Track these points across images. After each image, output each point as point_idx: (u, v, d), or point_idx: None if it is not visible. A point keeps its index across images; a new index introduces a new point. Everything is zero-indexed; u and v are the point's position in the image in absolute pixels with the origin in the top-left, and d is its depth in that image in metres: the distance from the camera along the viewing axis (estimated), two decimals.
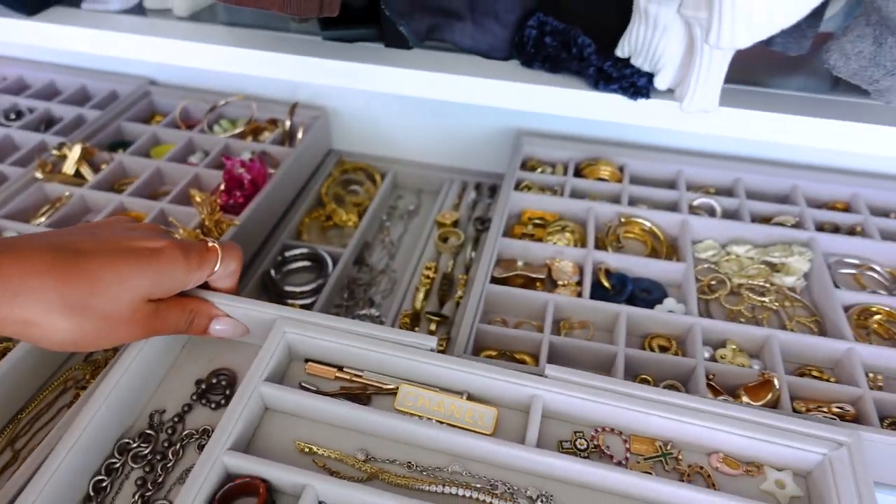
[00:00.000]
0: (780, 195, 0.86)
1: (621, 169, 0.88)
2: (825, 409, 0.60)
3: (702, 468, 0.51)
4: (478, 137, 0.97)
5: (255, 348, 0.52)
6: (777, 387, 0.60)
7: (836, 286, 0.71)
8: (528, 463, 0.48)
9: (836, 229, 0.80)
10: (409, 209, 0.97)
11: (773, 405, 0.59)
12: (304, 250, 0.84)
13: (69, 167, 0.83)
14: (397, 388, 0.52)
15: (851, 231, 0.80)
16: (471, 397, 0.52)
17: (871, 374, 0.65)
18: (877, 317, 0.70)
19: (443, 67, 0.73)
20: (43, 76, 1.04)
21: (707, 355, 0.65)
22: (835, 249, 0.77)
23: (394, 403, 0.51)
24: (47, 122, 0.96)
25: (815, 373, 0.65)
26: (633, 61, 0.64)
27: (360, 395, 0.51)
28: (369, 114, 0.99)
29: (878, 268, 0.76)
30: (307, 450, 0.49)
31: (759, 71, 0.75)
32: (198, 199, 0.77)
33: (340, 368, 0.53)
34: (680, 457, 0.51)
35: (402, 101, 0.96)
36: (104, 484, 0.44)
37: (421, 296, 0.79)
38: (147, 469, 0.45)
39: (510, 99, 0.70)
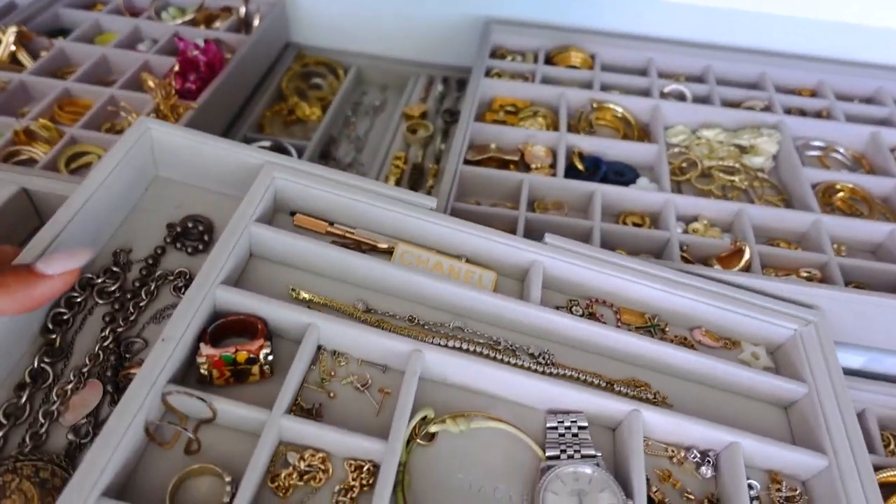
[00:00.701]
0: (749, 82, 0.85)
1: (593, 57, 0.86)
2: (794, 275, 0.62)
3: (685, 339, 0.52)
4: (444, 28, 0.93)
5: (228, 199, 0.48)
6: (748, 255, 0.61)
7: (803, 165, 0.72)
8: (530, 320, 0.47)
9: (802, 114, 0.81)
10: (375, 105, 0.94)
11: (745, 271, 0.60)
12: (268, 143, 0.81)
13: (4, 52, 0.76)
14: (392, 247, 0.49)
15: (818, 115, 0.81)
16: (469, 261, 0.50)
17: (835, 245, 0.66)
18: (840, 194, 0.71)
19: None
20: None
21: (679, 230, 0.66)
22: (802, 132, 0.77)
23: (390, 262, 0.48)
24: None
25: (782, 245, 0.66)
26: None
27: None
28: (329, 4, 0.94)
29: (841, 149, 0.77)
30: (302, 297, 0.45)
31: None
32: (151, 83, 0.72)
33: (331, 224, 0.49)
34: (666, 328, 0.52)
35: None
36: (65, 317, 0.42)
37: (392, 184, 0.77)
38: (116, 307, 0.43)
39: None
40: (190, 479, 0.36)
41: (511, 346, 0.47)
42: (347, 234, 0.49)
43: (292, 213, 0.49)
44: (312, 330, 0.41)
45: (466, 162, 0.70)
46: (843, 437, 0.45)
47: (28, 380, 0.38)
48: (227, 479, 0.35)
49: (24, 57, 0.77)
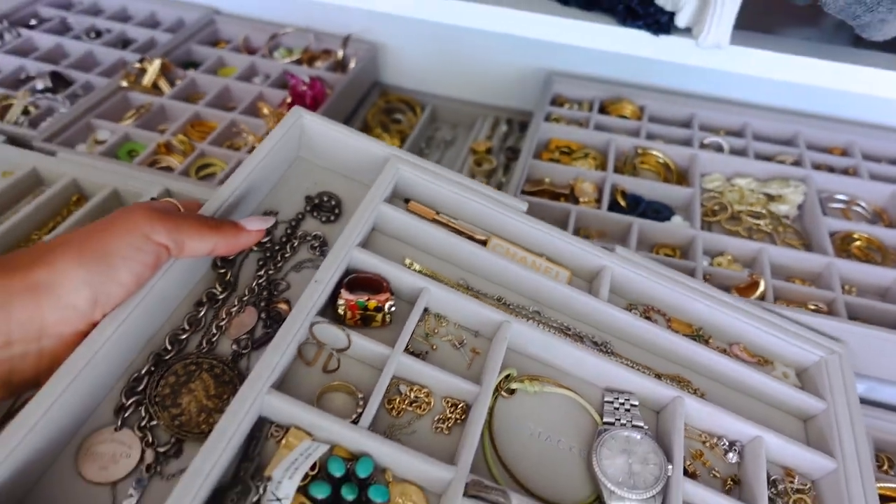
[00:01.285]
0: (783, 139, 0.95)
1: (642, 109, 0.97)
2: (802, 307, 0.70)
3: (725, 351, 0.60)
4: (512, 77, 1.06)
5: (354, 182, 0.60)
6: (762, 288, 0.70)
7: (825, 215, 0.81)
8: (597, 313, 0.56)
9: (830, 170, 0.90)
10: (446, 140, 1.07)
11: (760, 300, 0.69)
12: None
13: (148, 80, 0.93)
14: (486, 239, 0.58)
15: (844, 172, 0.89)
16: (548, 259, 0.59)
17: (846, 286, 0.75)
18: (857, 242, 0.80)
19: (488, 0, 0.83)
20: (114, 2, 1.14)
21: (706, 262, 0.75)
22: (828, 186, 0.86)
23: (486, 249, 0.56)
24: (123, 42, 1.06)
25: (797, 282, 0.75)
26: (657, 1, 0.73)
27: None
28: (414, 51, 1.08)
29: (863, 204, 0.85)
30: (414, 267, 0.54)
31: (779, 22, 0.84)
32: (265, 111, 0.87)
33: (438, 213, 0.58)
34: (709, 340, 0.61)
35: (443, 39, 1.05)
36: (230, 258, 0.52)
37: None
38: (267, 254, 0.53)
39: (547, 31, 0.80)
40: (329, 393, 0.46)
41: (578, 333, 0.56)
42: (450, 223, 0.58)
43: (406, 200, 0.59)
44: (425, 293, 0.51)
45: (523, 192, 0.81)
46: (852, 447, 0.52)
47: (205, 300, 0.50)
48: (360, 395, 0.46)
49: (163, 84, 0.94)
